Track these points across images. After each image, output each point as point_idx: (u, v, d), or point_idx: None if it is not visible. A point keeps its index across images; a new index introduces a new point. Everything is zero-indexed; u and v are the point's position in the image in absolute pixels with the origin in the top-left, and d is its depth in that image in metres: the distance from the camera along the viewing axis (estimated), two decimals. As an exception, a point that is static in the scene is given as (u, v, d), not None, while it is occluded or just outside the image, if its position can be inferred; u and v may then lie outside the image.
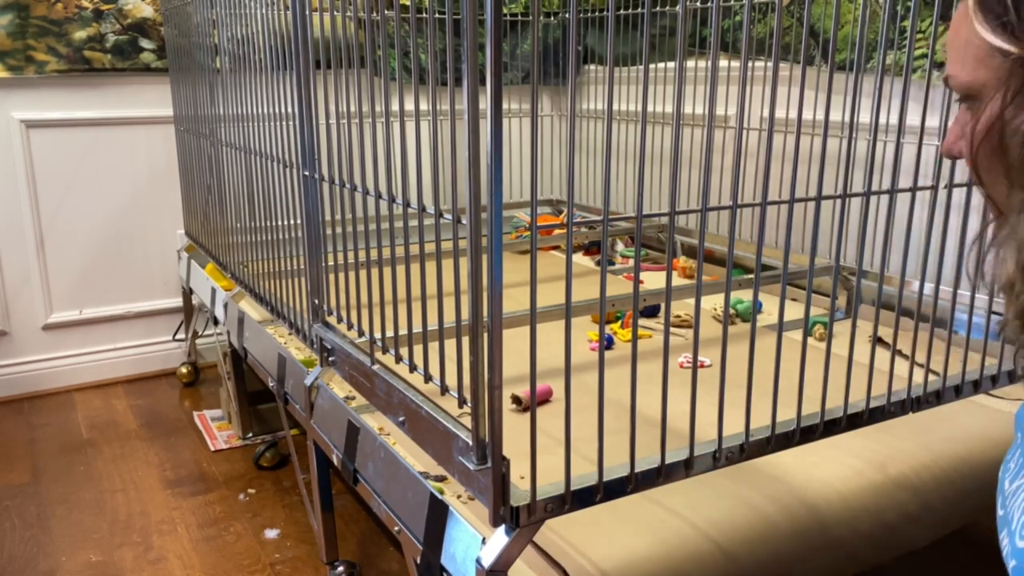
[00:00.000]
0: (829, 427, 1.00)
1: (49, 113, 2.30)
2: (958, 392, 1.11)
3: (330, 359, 1.29)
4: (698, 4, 2.13)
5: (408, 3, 0.92)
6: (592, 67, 2.66)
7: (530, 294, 0.79)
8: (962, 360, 1.10)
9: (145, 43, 2.36)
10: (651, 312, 1.78)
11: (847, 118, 0.94)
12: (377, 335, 1.15)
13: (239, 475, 1.93)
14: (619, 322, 1.71)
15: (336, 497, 1.78)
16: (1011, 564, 0.56)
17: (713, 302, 1.85)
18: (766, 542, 0.99)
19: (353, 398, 1.30)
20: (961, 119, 0.61)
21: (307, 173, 1.29)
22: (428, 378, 1.03)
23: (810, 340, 1.60)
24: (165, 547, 1.64)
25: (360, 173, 1.13)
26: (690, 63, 2.23)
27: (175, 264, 2.54)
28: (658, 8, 2.25)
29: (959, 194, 1.06)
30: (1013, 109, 0.55)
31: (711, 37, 0.80)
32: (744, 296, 1.83)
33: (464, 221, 0.82)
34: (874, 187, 0.97)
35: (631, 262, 2.28)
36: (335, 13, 1.15)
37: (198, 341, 2.58)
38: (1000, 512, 0.63)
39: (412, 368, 1.07)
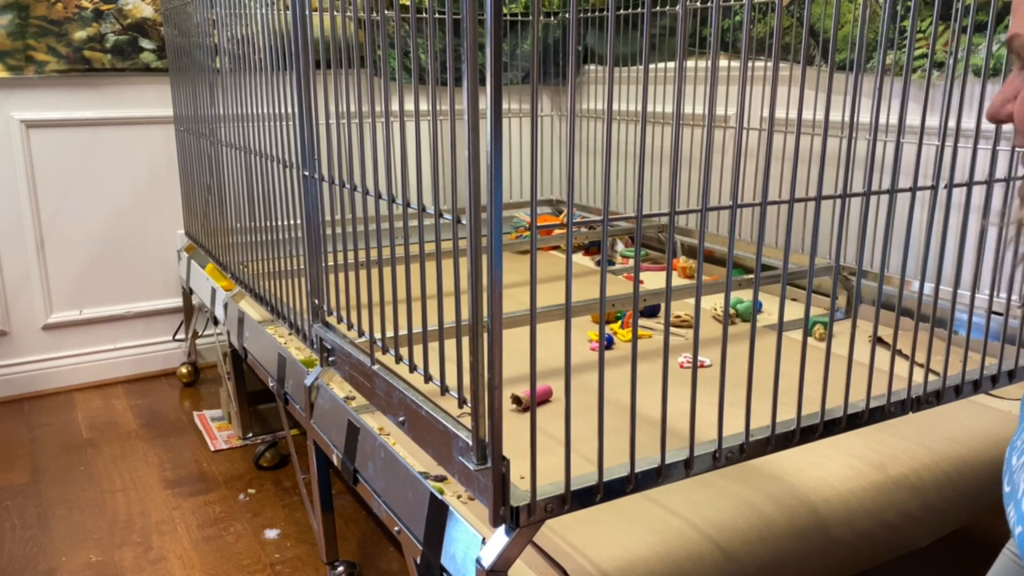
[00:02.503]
0: (829, 427, 1.00)
1: (49, 113, 2.30)
2: (958, 392, 1.11)
3: (330, 359, 1.29)
4: (698, 4, 2.13)
5: (408, 3, 0.92)
6: (592, 67, 2.66)
7: (530, 294, 0.79)
8: (962, 360, 1.10)
9: (145, 43, 2.36)
10: (651, 312, 1.78)
11: (847, 118, 0.94)
12: (377, 335, 1.15)
13: (239, 475, 1.93)
14: (619, 322, 1.71)
15: (336, 497, 1.78)
16: (1018, 530, 0.56)
17: (713, 302, 1.85)
18: (766, 542, 0.99)
19: (353, 398, 1.30)
20: (1016, 82, 0.59)
21: (307, 173, 1.29)
22: (428, 378, 1.03)
23: (810, 340, 1.60)
24: (165, 547, 1.64)
25: (360, 173, 1.13)
26: (690, 63, 2.23)
27: (175, 264, 2.54)
28: (658, 8, 2.25)
29: (959, 194, 1.06)
30: None
31: (711, 37, 0.80)
32: (744, 296, 1.83)
33: (464, 221, 0.82)
34: (874, 187, 0.97)
35: (631, 262, 2.28)
36: (335, 13, 1.15)
37: (198, 341, 2.58)
38: (1007, 488, 0.63)
39: (412, 368, 1.07)
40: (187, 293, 2.48)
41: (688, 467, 0.91)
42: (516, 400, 1.29)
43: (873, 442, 1.19)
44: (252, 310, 1.80)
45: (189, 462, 2.00)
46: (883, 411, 1.04)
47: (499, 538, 0.85)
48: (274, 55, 1.42)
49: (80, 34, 2.28)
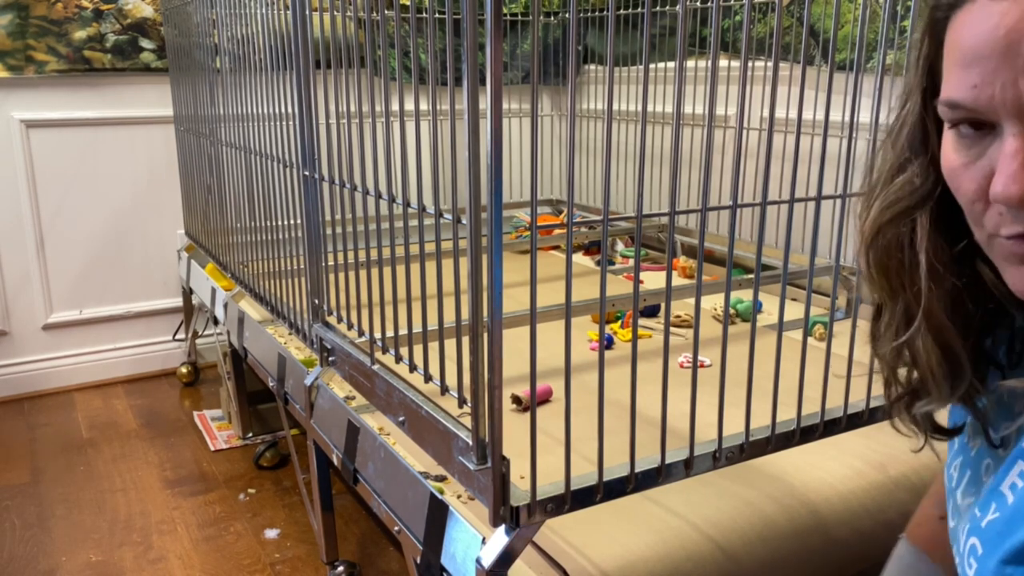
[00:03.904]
0: (829, 427, 1.00)
1: (49, 113, 2.30)
2: (958, 392, 1.11)
3: (330, 359, 1.29)
4: (698, 4, 2.13)
5: (408, 3, 0.92)
6: (592, 67, 2.66)
7: (530, 294, 0.79)
8: (962, 360, 1.10)
9: (145, 43, 2.36)
10: (651, 312, 1.78)
11: (847, 118, 0.94)
12: (377, 335, 1.15)
13: (239, 475, 1.93)
14: (619, 322, 1.71)
15: (336, 497, 1.78)
16: None
17: (713, 302, 1.85)
18: (766, 542, 0.99)
19: (353, 398, 1.30)
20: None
21: (307, 173, 1.29)
22: (428, 378, 1.03)
23: (810, 340, 1.60)
24: (165, 547, 1.64)
25: (360, 173, 1.13)
26: (690, 63, 2.23)
27: (175, 264, 2.53)
28: (658, 8, 2.25)
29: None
30: None
31: (711, 37, 0.80)
32: (744, 296, 1.83)
33: (464, 221, 0.82)
34: (874, 187, 0.97)
35: (631, 262, 2.28)
36: (335, 13, 1.15)
37: (198, 341, 2.58)
38: (952, 523, 0.62)
39: (412, 368, 1.07)
40: (187, 293, 2.48)
41: (688, 467, 0.91)
42: (516, 400, 1.29)
43: (873, 442, 1.19)
44: (252, 310, 1.80)
45: (189, 462, 2.00)
46: (883, 411, 1.04)
47: (499, 538, 0.85)
48: (274, 55, 1.42)
49: (80, 34, 2.28)
